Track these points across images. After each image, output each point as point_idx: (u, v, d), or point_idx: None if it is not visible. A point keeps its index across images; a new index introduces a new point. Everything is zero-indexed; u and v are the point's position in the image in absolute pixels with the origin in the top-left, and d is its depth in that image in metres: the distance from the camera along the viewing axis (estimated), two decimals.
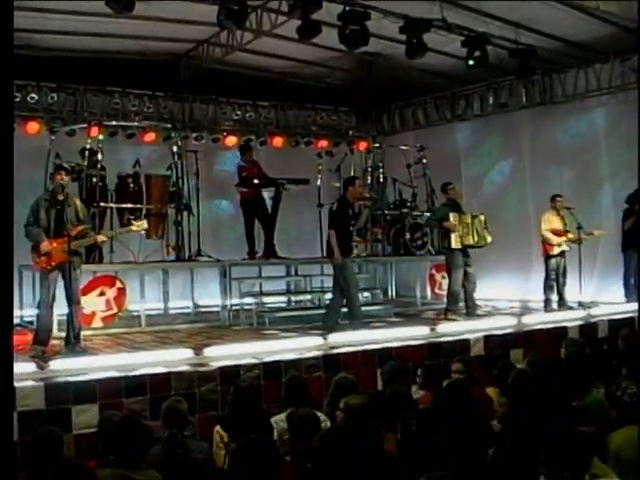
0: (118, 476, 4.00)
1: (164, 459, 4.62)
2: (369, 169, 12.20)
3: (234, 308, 10.09)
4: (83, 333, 7.89)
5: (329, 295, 9.57)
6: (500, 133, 13.28)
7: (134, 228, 8.08)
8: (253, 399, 5.46)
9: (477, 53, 10.55)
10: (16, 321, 9.72)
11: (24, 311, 9.97)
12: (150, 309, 10.05)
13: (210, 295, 10.98)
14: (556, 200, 10.58)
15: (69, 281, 7.32)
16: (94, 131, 10.64)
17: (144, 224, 8.20)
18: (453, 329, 8.72)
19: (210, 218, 12.41)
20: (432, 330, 8.52)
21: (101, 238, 7.87)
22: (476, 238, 10.02)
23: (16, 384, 5.91)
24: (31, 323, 9.35)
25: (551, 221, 10.55)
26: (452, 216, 9.98)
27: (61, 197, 7.38)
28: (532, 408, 4.46)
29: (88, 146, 10.24)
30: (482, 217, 10.17)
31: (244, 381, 5.82)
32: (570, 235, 10.47)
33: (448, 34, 10.45)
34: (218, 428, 5.17)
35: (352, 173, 11.96)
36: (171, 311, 10.91)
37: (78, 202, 7.65)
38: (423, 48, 10.21)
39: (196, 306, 11.01)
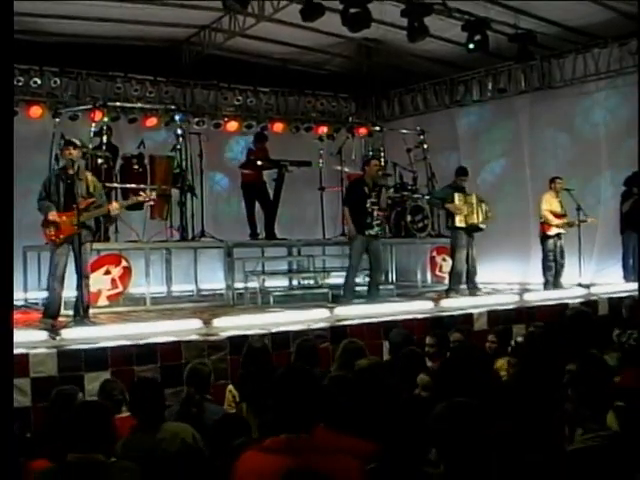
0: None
1: (179, 417, 4.70)
2: (370, 153, 12.25)
3: (237, 292, 10.13)
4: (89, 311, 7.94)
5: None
6: (499, 118, 13.36)
7: (140, 198, 8.30)
8: (265, 360, 5.48)
9: (477, 37, 10.63)
10: (21, 303, 9.79)
11: (28, 294, 10.02)
12: (153, 292, 10.06)
13: (213, 279, 11.05)
14: (556, 182, 10.63)
15: (79, 254, 7.37)
16: (98, 115, 10.70)
17: (153, 194, 8.42)
18: (456, 304, 8.85)
19: (212, 200, 12.47)
20: (436, 305, 8.63)
21: (114, 206, 7.88)
22: (481, 218, 10.10)
23: (29, 351, 6.03)
24: (36, 304, 9.43)
25: (551, 202, 10.64)
26: (457, 196, 10.05)
27: (71, 171, 7.42)
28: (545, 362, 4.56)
29: (94, 128, 10.29)
30: (485, 205, 10.26)
31: (257, 342, 5.89)
32: (566, 219, 10.57)
33: (448, 19, 10.56)
34: (231, 387, 5.23)
35: (353, 157, 12.03)
36: (174, 294, 10.94)
37: (90, 176, 7.70)
38: (424, 32, 10.25)
39: (199, 290, 11.07)
